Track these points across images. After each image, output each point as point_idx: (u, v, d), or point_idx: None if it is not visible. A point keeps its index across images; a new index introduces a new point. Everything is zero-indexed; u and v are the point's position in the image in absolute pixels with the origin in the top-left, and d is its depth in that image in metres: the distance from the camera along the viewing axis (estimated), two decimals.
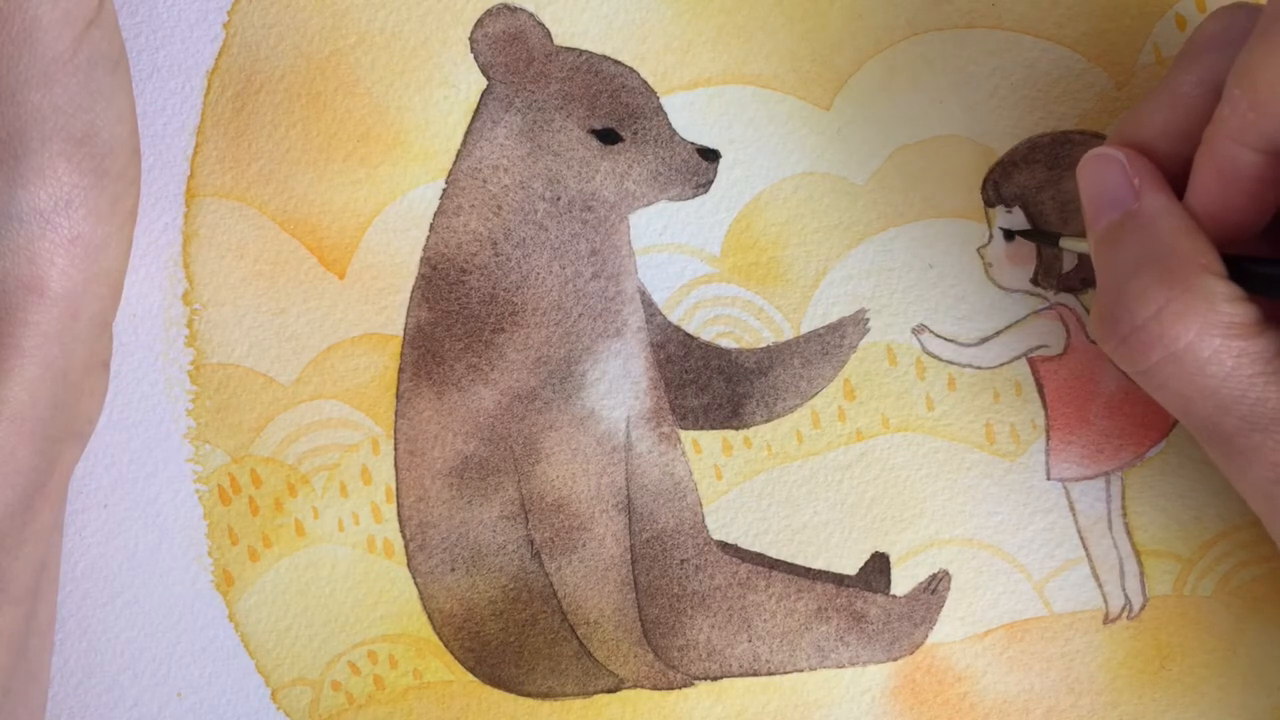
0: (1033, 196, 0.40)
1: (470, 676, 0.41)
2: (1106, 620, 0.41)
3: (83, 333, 0.36)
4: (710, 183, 0.40)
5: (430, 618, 0.41)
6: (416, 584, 0.41)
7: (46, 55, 0.34)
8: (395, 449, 0.40)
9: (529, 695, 0.41)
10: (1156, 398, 0.33)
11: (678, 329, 0.41)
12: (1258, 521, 0.40)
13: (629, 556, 0.40)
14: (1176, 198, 0.33)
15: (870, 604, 0.41)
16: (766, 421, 0.41)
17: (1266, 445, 0.31)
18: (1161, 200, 0.33)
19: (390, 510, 0.41)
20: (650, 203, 0.40)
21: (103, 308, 0.37)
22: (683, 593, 0.41)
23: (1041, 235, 0.39)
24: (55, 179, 0.35)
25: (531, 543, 0.40)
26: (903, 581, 0.41)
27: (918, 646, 0.41)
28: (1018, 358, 0.40)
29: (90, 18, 0.35)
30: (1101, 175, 0.34)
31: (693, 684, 0.41)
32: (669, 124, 0.40)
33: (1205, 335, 0.31)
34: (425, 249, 0.40)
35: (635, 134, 0.39)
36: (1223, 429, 0.32)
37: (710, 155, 0.40)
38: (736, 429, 0.41)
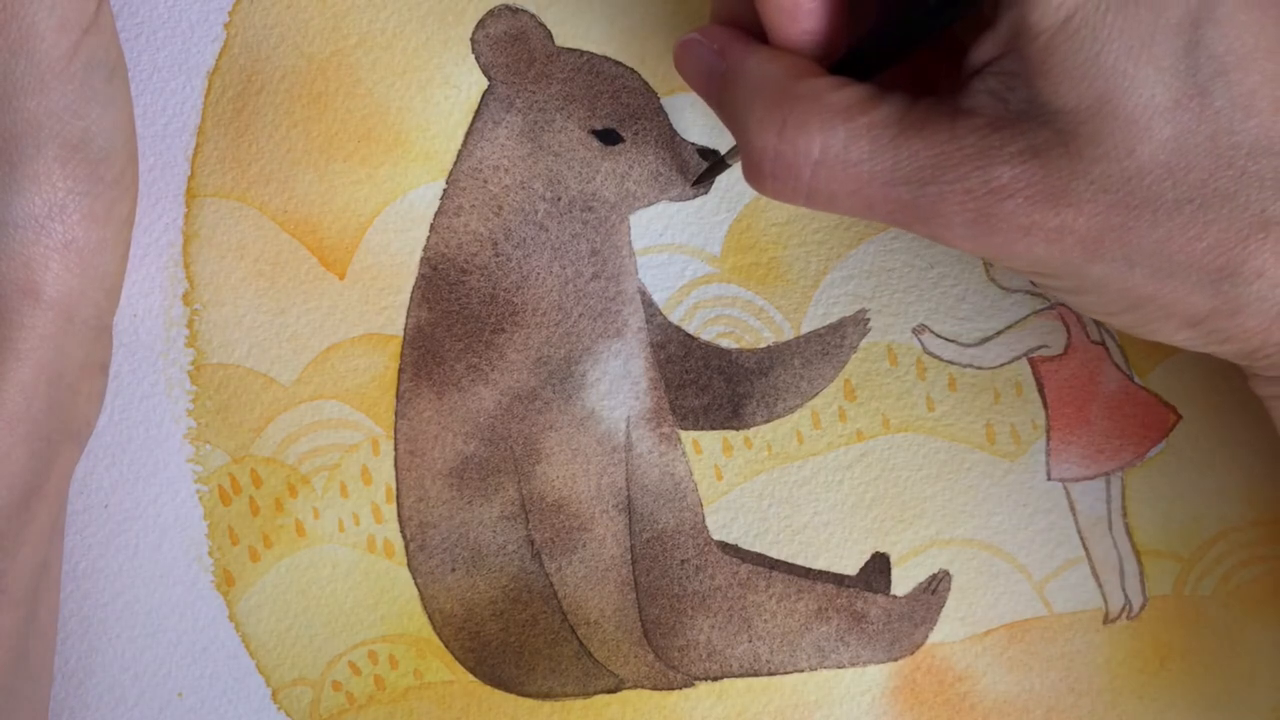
0: None
1: (470, 677, 0.41)
2: (1106, 620, 0.41)
3: (78, 336, 0.36)
4: (711, 183, 0.40)
5: (430, 618, 0.41)
6: (417, 584, 0.41)
7: (43, 62, 0.35)
8: (395, 449, 0.40)
9: (529, 695, 0.41)
10: (841, 211, 0.33)
11: (678, 329, 0.41)
12: (1258, 521, 0.40)
13: (629, 557, 0.40)
14: (762, 44, 0.34)
15: (871, 604, 0.41)
16: (767, 422, 0.41)
17: (943, 191, 0.31)
18: (743, 48, 0.34)
19: (390, 510, 0.41)
20: (651, 203, 0.40)
21: (99, 311, 0.37)
22: (683, 593, 0.41)
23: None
24: (50, 185, 0.35)
25: (532, 543, 0.40)
26: (903, 582, 0.41)
27: (918, 647, 0.41)
28: (1018, 358, 0.40)
29: (87, 25, 0.35)
30: (688, 57, 0.35)
31: (693, 684, 0.41)
32: (669, 124, 0.40)
33: (830, 127, 0.31)
34: (425, 249, 0.40)
35: (636, 134, 0.39)
36: (904, 202, 0.31)
37: (710, 155, 0.40)
38: (737, 429, 0.41)
